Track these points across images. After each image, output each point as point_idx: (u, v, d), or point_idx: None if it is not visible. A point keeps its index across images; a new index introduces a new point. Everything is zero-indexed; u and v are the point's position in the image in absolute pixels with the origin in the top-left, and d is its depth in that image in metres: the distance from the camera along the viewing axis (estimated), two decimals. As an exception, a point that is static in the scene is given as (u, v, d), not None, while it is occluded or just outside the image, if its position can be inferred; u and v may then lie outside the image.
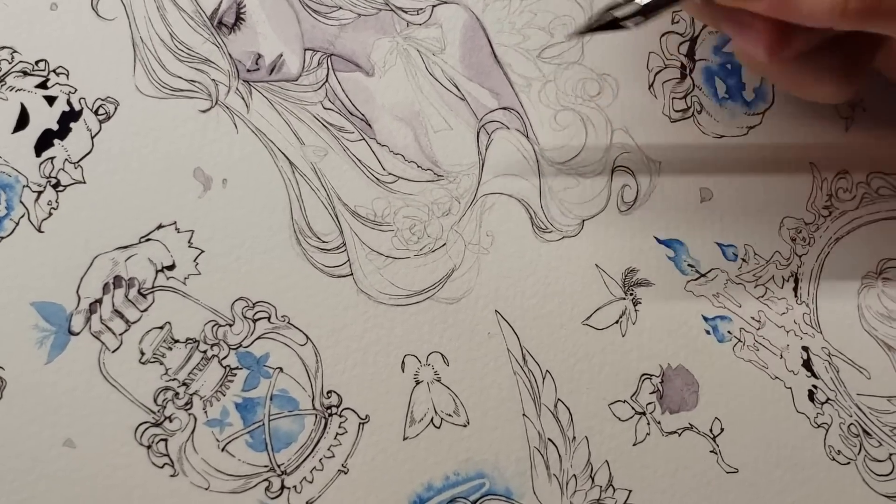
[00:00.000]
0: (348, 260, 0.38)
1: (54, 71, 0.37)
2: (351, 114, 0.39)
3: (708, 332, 0.40)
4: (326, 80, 0.39)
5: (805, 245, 0.42)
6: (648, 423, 0.39)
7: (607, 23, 0.34)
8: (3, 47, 0.36)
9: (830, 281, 0.42)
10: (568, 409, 0.38)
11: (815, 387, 0.41)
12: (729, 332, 0.41)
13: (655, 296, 0.40)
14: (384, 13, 0.40)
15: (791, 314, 0.41)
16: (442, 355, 0.38)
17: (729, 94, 0.43)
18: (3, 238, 0.35)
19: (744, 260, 0.42)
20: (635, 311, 0.40)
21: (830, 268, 0.42)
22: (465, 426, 0.37)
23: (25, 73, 0.36)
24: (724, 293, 0.41)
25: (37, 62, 0.36)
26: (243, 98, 0.38)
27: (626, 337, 0.40)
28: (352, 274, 0.37)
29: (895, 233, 0.43)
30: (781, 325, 0.41)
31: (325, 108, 0.39)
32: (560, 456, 0.38)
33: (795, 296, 0.42)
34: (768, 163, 0.42)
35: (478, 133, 0.40)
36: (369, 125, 0.39)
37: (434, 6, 0.41)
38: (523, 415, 0.38)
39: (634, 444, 0.39)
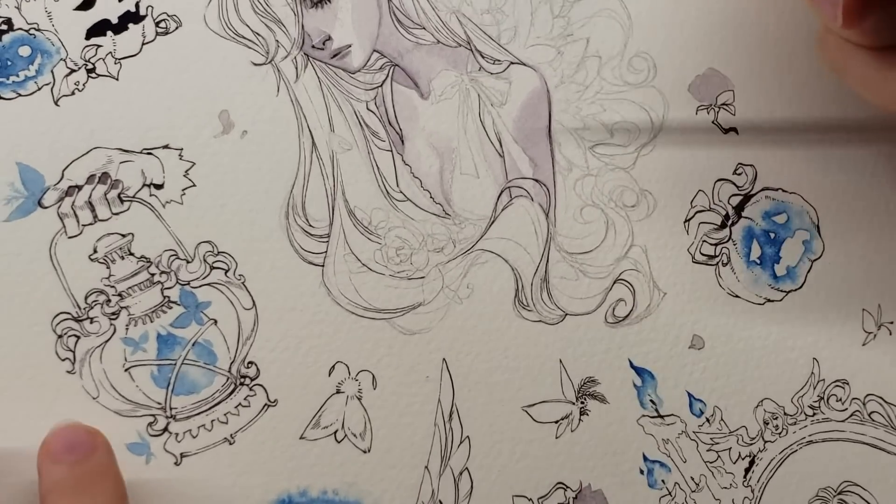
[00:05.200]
0: (326, 252, 0.37)
1: (137, -29, 0.38)
2: (389, 123, 0.39)
3: (641, 472, 0.39)
4: (381, 86, 0.39)
5: (775, 433, 0.41)
6: (545, 532, 0.37)
7: None
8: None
9: (785, 480, 0.41)
10: (472, 482, 0.37)
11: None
12: (663, 481, 0.39)
13: (605, 414, 0.39)
14: (462, 49, 0.41)
15: (732, 492, 0.40)
16: (373, 376, 0.37)
17: (760, 261, 0.42)
18: (20, 96, 0.36)
19: (708, 420, 0.40)
20: (579, 420, 0.39)
21: (791, 467, 0.41)
22: (364, 452, 0.36)
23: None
24: (675, 442, 0.39)
25: (124, -43, 0.38)
26: (296, 68, 0.38)
27: (559, 440, 0.38)
28: (323, 266, 0.37)
29: (870, 461, 0.41)
30: (718, 497, 0.40)
31: (368, 109, 0.39)
32: (443, 522, 0.36)
33: (745, 477, 0.40)
34: (772, 340, 0.41)
35: (501, 192, 0.40)
36: (402, 141, 0.39)
37: (512, 63, 0.41)
38: (426, 467, 0.37)
39: (521, 546, 0.37)
